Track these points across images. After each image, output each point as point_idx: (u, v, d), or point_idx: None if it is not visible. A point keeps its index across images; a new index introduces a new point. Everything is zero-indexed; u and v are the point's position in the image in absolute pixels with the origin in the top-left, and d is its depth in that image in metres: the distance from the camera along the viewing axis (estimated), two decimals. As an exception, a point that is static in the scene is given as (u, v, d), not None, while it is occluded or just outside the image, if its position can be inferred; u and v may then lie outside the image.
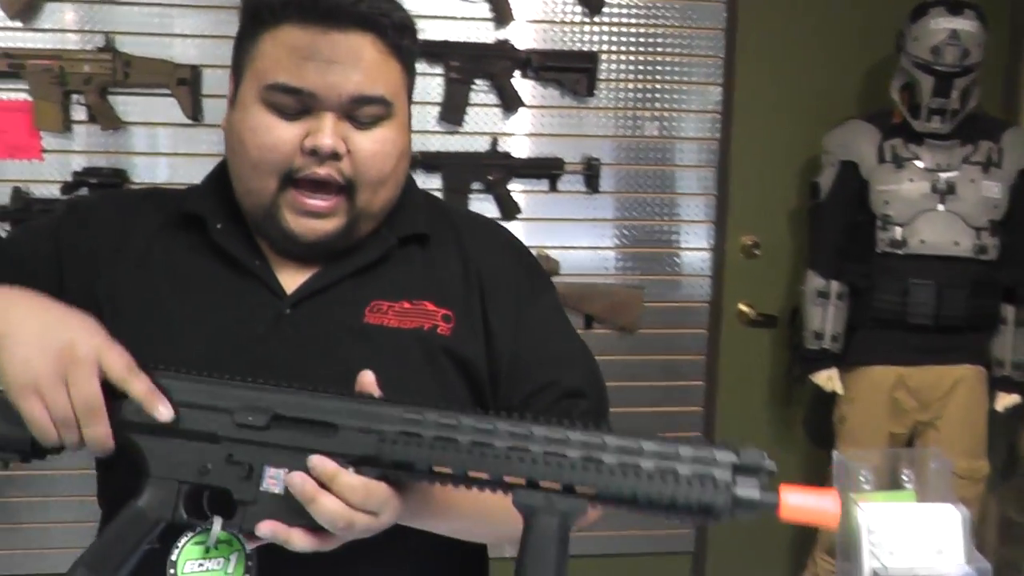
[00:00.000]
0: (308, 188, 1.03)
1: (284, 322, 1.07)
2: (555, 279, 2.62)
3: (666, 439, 0.81)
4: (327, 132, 1.00)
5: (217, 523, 0.87)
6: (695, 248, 2.78)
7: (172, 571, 0.88)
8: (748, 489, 0.79)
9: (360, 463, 0.84)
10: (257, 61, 1.03)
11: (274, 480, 0.86)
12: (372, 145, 1.03)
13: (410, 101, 1.12)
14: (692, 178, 2.74)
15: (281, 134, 1.01)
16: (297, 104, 1.01)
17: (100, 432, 0.88)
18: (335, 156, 1.01)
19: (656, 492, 0.79)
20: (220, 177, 1.14)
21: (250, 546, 0.89)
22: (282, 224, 1.04)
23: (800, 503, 0.80)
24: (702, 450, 0.80)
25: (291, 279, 1.09)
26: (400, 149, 1.08)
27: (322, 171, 1.01)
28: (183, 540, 0.89)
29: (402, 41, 1.06)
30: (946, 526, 1.03)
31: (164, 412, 0.88)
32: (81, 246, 1.12)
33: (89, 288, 1.07)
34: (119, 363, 0.88)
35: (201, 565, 0.89)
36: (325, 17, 1.01)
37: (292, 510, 0.84)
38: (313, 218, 1.03)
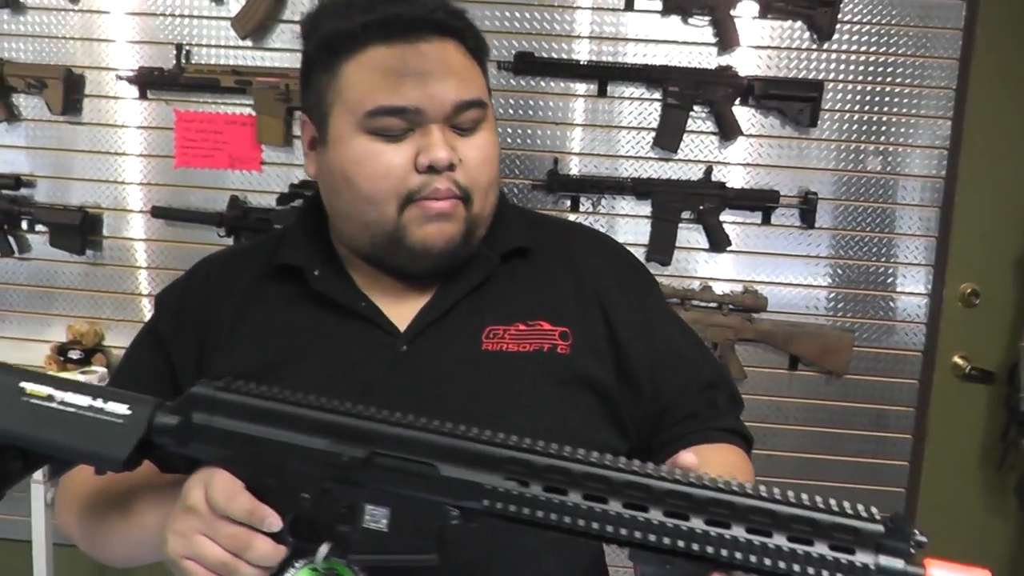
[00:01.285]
0: (432, 199, 1.06)
1: (401, 360, 1.09)
2: (762, 316, 2.64)
3: (804, 502, 0.76)
4: (440, 145, 1.03)
5: (323, 548, 0.86)
6: (911, 293, 2.75)
7: None
8: (891, 560, 0.75)
9: (465, 509, 0.82)
10: (346, 92, 1.05)
11: (375, 519, 0.84)
12: (478, 151, 1.08)
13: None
14: (913, 218, 2.71)
15: (391, 158, 1.04)
16: (403, 123, 1.04)
17: (262, 548, 0.85)
18: (450, 167, 1.05)
19: (784, 572, 0.75)
20: (308, 221, 1.19)
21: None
22: (410, 242, 1.07)
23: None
24: (845, 521, 0.75)
25: (399, 315, 1.11)
26: (498, 151, 1.12)
27: (442, 185, 1.04)
28: (299, 563, 0.88)
29: (477, 44, 1.12)
30: None
31: (272, 523, 0.85)
32: (181, 335, 1.17)
33: (201, 373, 1.11)
34: (219, 493, 0.86)
35: None
36: (409, 31, 1.04)
37: (397, 546, 0.83)
38: (441, 221, 1.06)
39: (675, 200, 2.61)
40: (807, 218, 2.65)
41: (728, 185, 2.64)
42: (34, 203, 2.73)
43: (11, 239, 2.74)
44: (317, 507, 0.85)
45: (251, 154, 2.67)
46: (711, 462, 0.90)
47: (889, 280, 2.74)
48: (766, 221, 2.66)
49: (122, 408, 0.91)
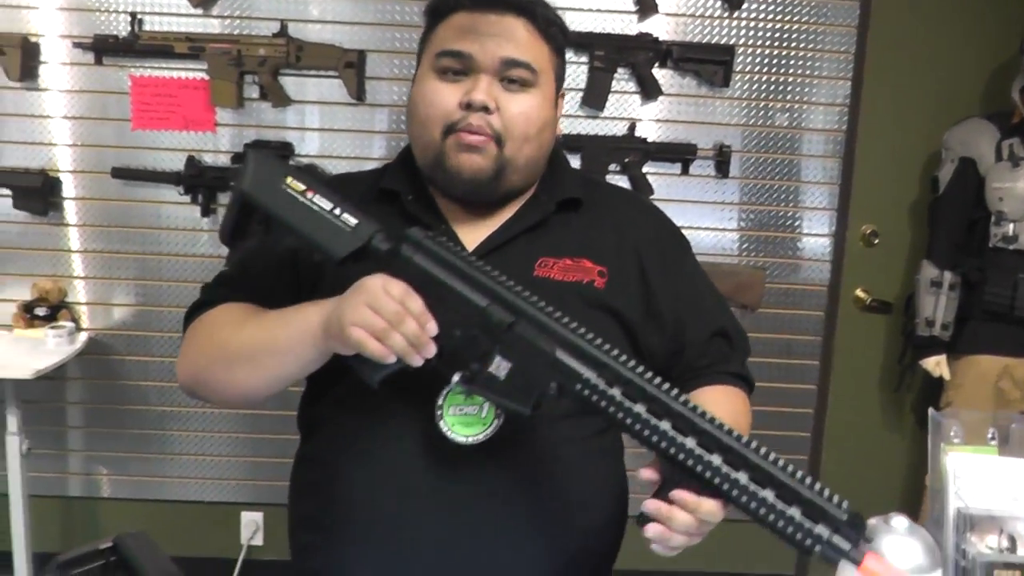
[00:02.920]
0: (466, 132, 1.39)
1: None
2: (682, 259, 3.14)
3: (798, 476, 1.06)
4: (480, 89, 1.38)
5: (456, 376, 1.21)
6: (817, 234, 3.31)
7: (439, 412, 1.25)
8: (841, 542, 1.04)
9: (562, 387, 1.17)
10: (432, 43, 1.44)
11: (499, 367, 1.18)
12: (518, 105, 1.40)
13: (559, 85, 1.50)
14: (818, 167, 3.25)
15: (445, 94, 1.40)
16: (458, 65, 1.39)
17: (412, 325, 1.18)
18: (486, 110, 1.38)
19: (764, 517, 1.06)
20: (406, 157, 1.53)
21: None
22: (447, 164, 1.40)
23: (877, 569, 1.04)
24: (818, 501, 1.05)
25: (470, 240, 1.45)
26: (544, 118, 1.44)
27: (476, 121, 1.38)
28: (446, 389, 1.25)
29: (549, 28, 1.45)
30: (1021, 478, 1.47)
31: (432, 327, 1.19)
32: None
33: (318, 281, 1.42)
34: (397, 289, 1.19)
35: (461, 409, 1.25)
36: (488, 4, 1.41)
37: (506, 392, 1.17)
38: (470, 152, 1.39)
39: (602, 154, 3.10)
40: (722, 169, 3.17)
41: (650, 140, 3.14)
42: (-3, 167, 3.10)
43: (-25, 201, 3.10)
44: (463, 344, 1.20)
45: (205, 116, 3.08)
46: (718, 402, 1.29)
47: (796, 223, 3.29)
48: (685, 172, 3.18)
49: (353, 220, 1.26)
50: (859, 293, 3.41)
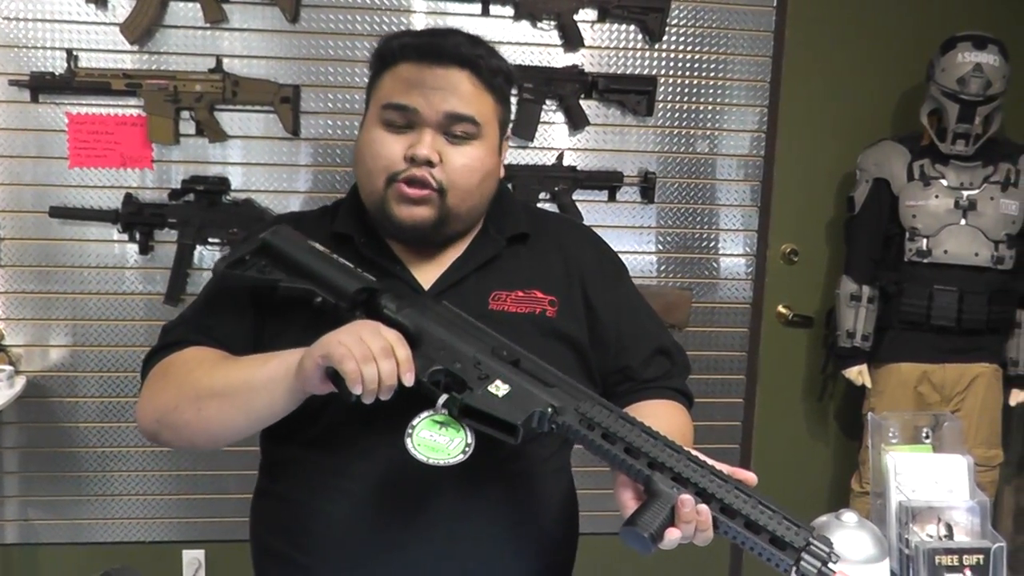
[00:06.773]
0: (407, 184, 1.40)
1: None
2: (613, 281, 3.21)
3: (764, 509, 1.15)
4: (424, 143, 1.39)
5: (443, 397, 1.24)
6: (739, 254, 3.36)
7: (410, 431, 1.23)
8: (809, 563, 1.13)
9: (557, 413, 1.24)
10: (378, 92, 1.44)
11: (498, 388, 1.23)
12: (461, 159, 1.41)
13: (503, 131, 1.51)
14: (738, 190, 3.31)
15: (390, 145, 1.41)
16: (403, 119, 1.40)
17: (387, 368, 1.21)
18: (430, 163, 1.39)
19: (743, 539, 1.15)
20: (354, 199, 1.54)
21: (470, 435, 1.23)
22: (389, 212, 1.42)
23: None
24: (782, 532, 1.13)
25: (424, 277, 1.48)
26: (487, 168, 1.45)
27: (418, 173, 1.39)
28: (425, 413, 1.24)
29: (494, 79, 1.45)
30: (955, 471, 1.54)
31: (409, 378, 1.23)
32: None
33: (281, 333, 1.43)
34: (391, 335, 1.24)
35: (431, 436, 1.23)
36: (432, 56, 1.41)
37: (502, 408, 1.22)
38: (411, 204, 1.41)
39: (532, 183, 3.11)
40: (647, 194, 3.21)
41: (578, 168, 3.16)
42: (-72, 208, 2.95)
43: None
44: (464, 371, 1.25)
45: (142, 153, 3.00)
46: (659, 415, 1.34)
47: (720, 245, 3.34)
48: (612, 198, 3.21)
49: (371, 277, 1.37)
50: (781, 309, 3.47)
